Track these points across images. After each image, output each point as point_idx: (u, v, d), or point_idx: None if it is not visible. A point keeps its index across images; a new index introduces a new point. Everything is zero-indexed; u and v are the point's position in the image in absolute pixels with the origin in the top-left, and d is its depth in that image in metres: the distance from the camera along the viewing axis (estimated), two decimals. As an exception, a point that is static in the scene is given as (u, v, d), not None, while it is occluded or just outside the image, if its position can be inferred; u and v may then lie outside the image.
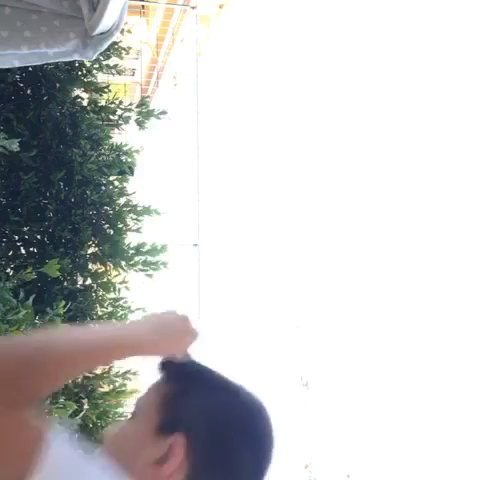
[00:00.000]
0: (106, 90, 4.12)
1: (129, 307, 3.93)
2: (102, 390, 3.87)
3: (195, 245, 5.60)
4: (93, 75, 4.10)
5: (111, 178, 4.04)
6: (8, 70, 3.50)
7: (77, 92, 4.12)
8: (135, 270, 3.95)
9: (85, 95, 4.24)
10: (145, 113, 4.18)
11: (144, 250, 3.97)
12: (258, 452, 0.91)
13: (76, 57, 2.27)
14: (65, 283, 3.75)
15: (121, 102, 4.17)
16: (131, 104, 4.19)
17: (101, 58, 4.01)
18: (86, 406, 3.66)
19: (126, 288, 3.98)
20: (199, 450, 0.86)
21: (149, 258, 3.97)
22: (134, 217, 4.00)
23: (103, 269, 3.95)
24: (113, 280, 3.98)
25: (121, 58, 4.20)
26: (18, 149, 3.20)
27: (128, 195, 4.05)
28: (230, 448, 0.89)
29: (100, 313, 3.87)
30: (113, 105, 4.13)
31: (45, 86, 3.84)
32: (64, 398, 3.43)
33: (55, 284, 3.57)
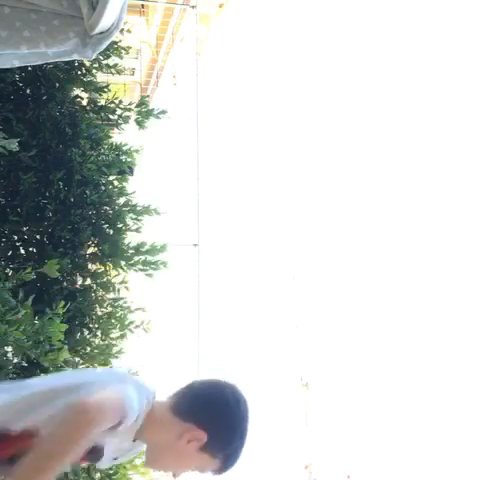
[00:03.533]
0: (106, 90, 4.11)
1: (129, 307, 3.91)
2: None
3: (195, 245, 5.60)
4: (92, 75, 4.10)
5: (111, 178, 4.03)
6: (7, 70, 3.50)
7: (76, 92, 4.12)
8: (135, 270, 3.94)
9: (84, 95, 4.23)
10: (145, 113, 4.18)
11: (144, 250, 3.96)
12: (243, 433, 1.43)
13: (75, 57, 2.26)
14: (64, 283, 3.74)
15: (121, 102, 4.16)
16: (131, 104, 4.18)
17: (101, 58, 4.01)
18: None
19: (126, 288, 3.97)
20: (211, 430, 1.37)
21: (149, 258, 3.96)
22: (134, 217, 3.99)
23: (103, 269, 3.94)
24: (113, 280, 3.97)
25: (121, 58, 4.19)
26: (17, 149, 3.19)
27: (128, 195, 4.04)
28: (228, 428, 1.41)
29: (99, 313, 3.86)
30: (113, 105, 4.12)
31: (44, 86, 3.83)
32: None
33: (54, 284, 3.56)
